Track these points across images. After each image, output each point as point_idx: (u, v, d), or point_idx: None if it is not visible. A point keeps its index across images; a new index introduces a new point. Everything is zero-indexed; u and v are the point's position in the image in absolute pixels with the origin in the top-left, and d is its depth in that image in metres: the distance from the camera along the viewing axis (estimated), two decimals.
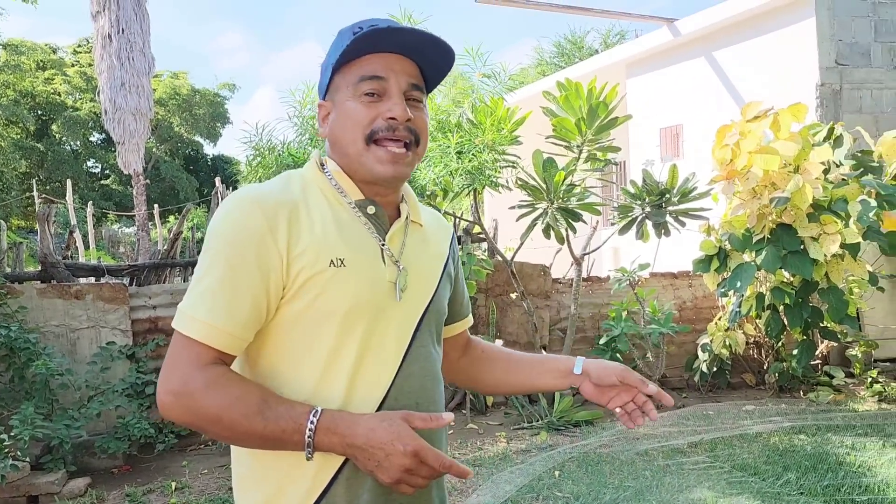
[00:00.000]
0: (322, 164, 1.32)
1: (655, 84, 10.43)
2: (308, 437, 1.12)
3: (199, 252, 6.34)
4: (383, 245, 1.27)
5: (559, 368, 1.50)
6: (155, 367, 5.37)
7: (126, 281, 5.95)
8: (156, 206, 18.61)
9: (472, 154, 4.98)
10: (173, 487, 4.50)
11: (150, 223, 16.86)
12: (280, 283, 1.18)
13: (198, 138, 32.78)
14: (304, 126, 5.24)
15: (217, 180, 8.47)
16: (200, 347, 1.15)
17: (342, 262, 1.20)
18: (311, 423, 1.12)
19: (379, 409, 1.21)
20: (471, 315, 1.60)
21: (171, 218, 25.05)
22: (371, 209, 1.28)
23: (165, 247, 5.94)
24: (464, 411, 5.98)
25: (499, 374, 1.55)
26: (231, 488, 4.42)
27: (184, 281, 6.26)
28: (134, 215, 16.58)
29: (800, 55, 7.89)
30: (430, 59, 1.28)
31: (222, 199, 7.37)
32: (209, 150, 35.34)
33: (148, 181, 22.11)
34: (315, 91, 6.44)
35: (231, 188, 7.78)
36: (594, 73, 10.90)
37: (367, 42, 1.22)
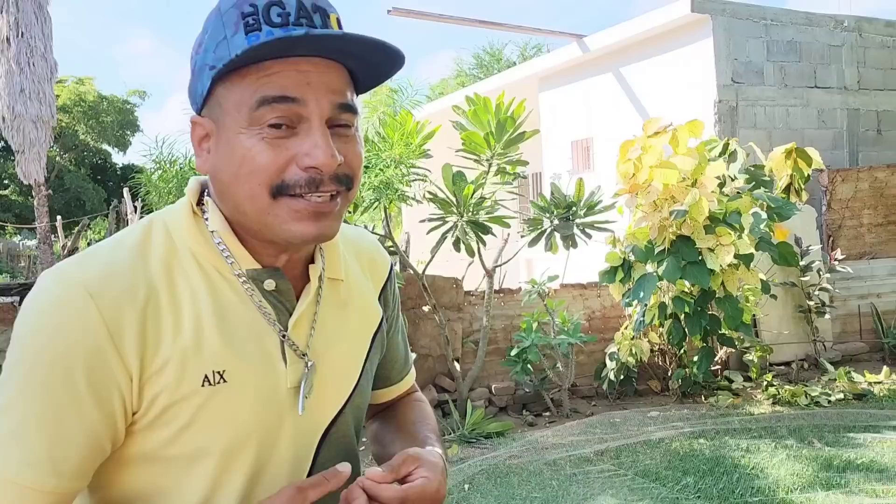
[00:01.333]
0: (202, 207, 0.93)
1: (566, 98, 10.69)
2: None
3: None
4: (284, 337, 0.92)
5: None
6: None
7: (17, 301, 5.65)
8: (59, 217, 17.79)
9: (380, 169, 4.97)
10: None
11: (52, 236, 16.11)
12: (130, 409, 0.84)
13: (106, 147, 31.60)
14: None
15: (125, 191, 8.17)
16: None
17: (222, 377, 0.86)
18: None
19: None
20: (410, 375, 1.23)
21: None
22: (270, 284, 0.92)
23: None
24: None
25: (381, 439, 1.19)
26: None
27: None
28: (35, 227, 15.80)
29: (700, 73, 8.25)
30: (366, 60, 0.88)
31: (128, 213, 7.03)
32: (119, 158, 34.17)
33: (51, 192, 21.12)
34: None
35: (140, 200, 7.50)
36: (508, 87, 11.10)
37: (273, 48, 0.81)
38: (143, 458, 0.87)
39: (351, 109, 0.88)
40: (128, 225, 7.79)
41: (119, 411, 0.83)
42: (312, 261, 0.98)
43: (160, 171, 4.89)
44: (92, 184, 29.72)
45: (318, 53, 0.85)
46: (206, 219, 0.91)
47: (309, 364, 0.93)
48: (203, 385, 0.85)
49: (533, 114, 10.01)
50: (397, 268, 6.28)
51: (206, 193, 0.94)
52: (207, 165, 0.90)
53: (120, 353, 0.81)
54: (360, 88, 0.93)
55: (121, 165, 33.98)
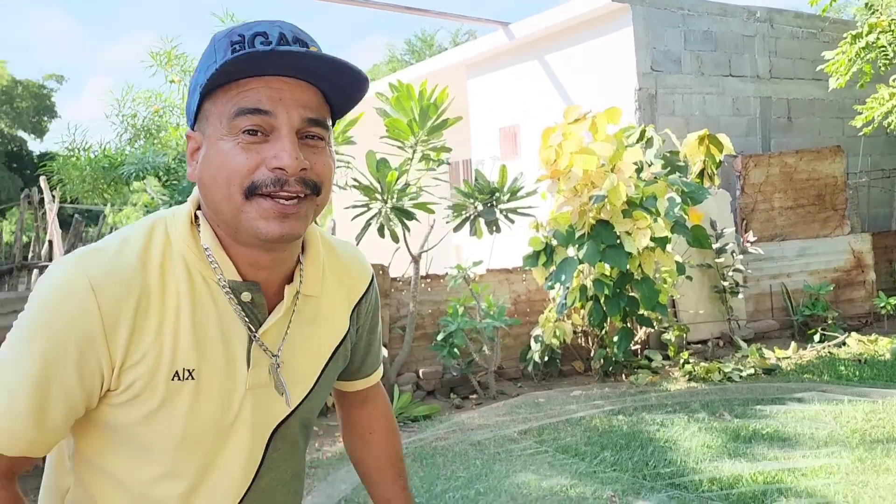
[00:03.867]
0: (197, 220, 1.05)
1: (494, 85, 10.80)
2: None
3: (19, 258, 5.87)
4: (255, 339, 1.05)
5: None
6: None
7: None
8: None
9: None
10: None
11: None
12: (104, 388, 0.97)
13: (21, 133, 30.23)
14: (124, 126, 4.99)
15: (42, 179, 7.87)
16: None
17: (190, 375, 0.99)
18: None
19: None
20: (378, 371, 1.37)
21: None
22: (247, 296, 1.03)
23: None
24: None
25: (366, 475, 1.40)
26: None
27: None
28: None
29: (620, 61, 8.45)
30: (333, 83, 0.99)
31: (45, 203, 6.73)
32: (35, 146, 32.70)
33: None
34: (135, 89, 6.19)
35: (55, 188, 7.23)
36: (437, 74, 11.14)
37: (247, 64, 0.93)
38: (114, 428, 1.00)
39: (320, 124, 1.00)
40: (42, 213, 7.53)
41: (97, 388, 0.96)
42: (291, 279, 1.09)
43: (73, 159, 4.75)
44: (7, 172, 28.42)
45: (288, 73, 0.96)
46: (199, 229, 1.03)
47: (278, 363, 1.07)
48: (172, 380, 0.98)
49: (461, 101, 10.08)
50: None
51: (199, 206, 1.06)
52: (196, 173, 1.01)
53: (109, 343, 0.94)
54: (335, 114, 1.05)
55: (37, 153, 32.58)
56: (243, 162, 0.95)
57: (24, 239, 6.85)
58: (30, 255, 6.12)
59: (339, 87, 1.00)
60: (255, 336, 1.04)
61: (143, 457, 1.01)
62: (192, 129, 1.03)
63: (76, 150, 4.71)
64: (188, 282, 1.00)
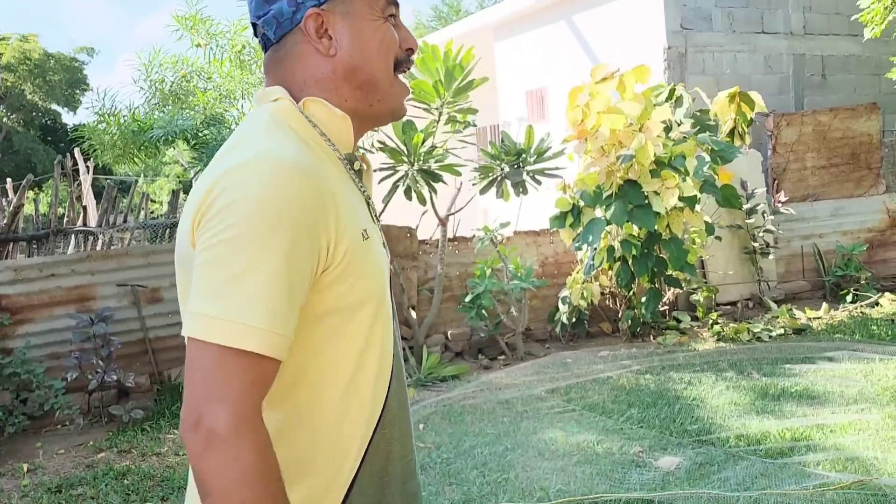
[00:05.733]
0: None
1: (521, 48, 10.68)
2: None
3: (55, 223, 6.01)
4: (369, 200, 1.13)
5: None
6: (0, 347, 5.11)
7: None
8: (9, 180, 17.32)
9: None
10: (25, 469, 4.34)
11: (3, 199, 15.70)
12: (320, 268, 0.99)
13: (55, 106, 30.62)
14: (152, 91, 5.05)
15: (76, 151, 8.00)
16: (260, 364, 0.91)
17: (367, 234, 1.04)
18: None
19: (391, 376, 1.11)
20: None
21: (31, 193, 23.42)
22: (357, 165, 1.12)
23: (5, 221, 5.61)
24: None
25: None
26: (88, 465, 4.29)
27: (28, 256, 5.94)
28: None
29: (649, 20, 8.30)
30: None
31: (73, 172, 6.86)
32: (69, 119, 33.13)
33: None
34: (161, 56, 6.21)
35: (90, 160, 7.36)
36: (463, 37, 11.03)
37: None
38: (328, 310, 1.01)
39: None
40: (77, 184, 7.67)
41: (316, 268, 0.98)
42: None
43: (104, 125, 4.82)
44: (42, 145, 28.84)
45: None
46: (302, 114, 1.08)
47: (376, 217, 1.15)
48: (363, 239, 1.03)
49: (488, 64, 9.99)
50: None
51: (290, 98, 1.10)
52: (342, 47, 1.08)
53: (326, 221, 0.97)
54: None
55: (71, 126, 33.05)
56: (396, 39, 1.11)
57: (60, 210, 7.04)
58: (65, 221, 6.26)
59: None
60: (370, 200, 1.13)
61: (344, 331, 1.04)
62: (321, 7, 1.07)
63: (106, 116, 4.78)
64: (327, 159, 1.07)
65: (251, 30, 1.17)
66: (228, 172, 0.96)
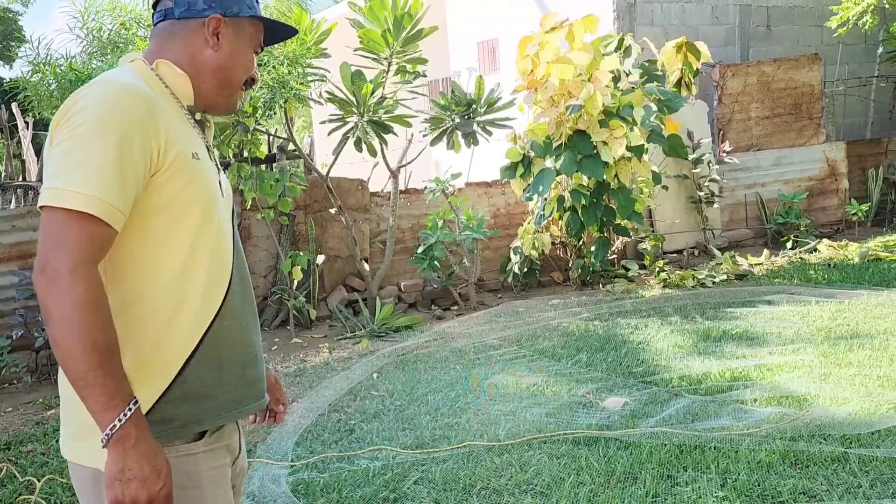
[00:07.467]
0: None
1: None
2: (119, 419, 1.20)
3: None
4: (209, 146, 1.49)
5: None
6: None
7: None
8: None
9: (272, 66, 4.87)
10: None
11: None
12: (153, 168, 1.30)
13: None
14: (89, 39, 4.87)
15: (14, 105, 7.69)
16: (94, 225, 1.21)
17: (198, 156, 1.38)
18: (129, 409, 1.21)
19: (231, 279, 1.43)
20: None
21: None
22: (198, 115, 1.49)
23: None
24: (288, 327, 6.06)
25: None
26: (38, 422, 4.25)
27: None
28: None
29: None
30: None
31: (11, 128, 6.60)
32: (4, 72, 31.63)
33: None
34: (97, 2, 5.94)
35: (29, 114, 7.08)
36: None
37: (268, 25, 1.56)
38: (156, 207, 1.32)
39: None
40: (17, 141, 7.41)
41: (148, 168, 1.29)
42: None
43: (39, 75, 4.64)
44: None
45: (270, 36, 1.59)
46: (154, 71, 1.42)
47: (220, 167, 1.51)
48: (192, 157, 1.36)
49: (439, 14, 9.85)
50: (300, 170, 6.25)
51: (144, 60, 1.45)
52: (215, 51, 1.45)
53: (155, 129, 1.29)
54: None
55: (7, 80, 31.62)
56: (254, 66, 1.54)
57: None
58: (2, 177, 6.06)
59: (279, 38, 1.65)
60: (208, 143, 1.49)
61: (178, 224, 1.33)
62: (224, 15, 1.43)
63: (42, 66, 4.60)
64: (168, 100, 1.40)
65: None
66: (81, 90, 1.29)
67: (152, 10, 1.50)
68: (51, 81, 4.57)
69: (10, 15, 28.66)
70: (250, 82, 1.53)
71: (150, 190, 1.30)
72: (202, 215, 1.36)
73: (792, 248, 7.57)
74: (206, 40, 1.44)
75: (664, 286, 6.58)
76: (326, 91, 5.69)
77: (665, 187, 6.79)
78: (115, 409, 1.19)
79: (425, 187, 6.77)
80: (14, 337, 4.89)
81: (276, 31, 1.60)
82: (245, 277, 1.51)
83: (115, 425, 1.19)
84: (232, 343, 1.42)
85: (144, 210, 1.30)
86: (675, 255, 7.69)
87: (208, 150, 1.47)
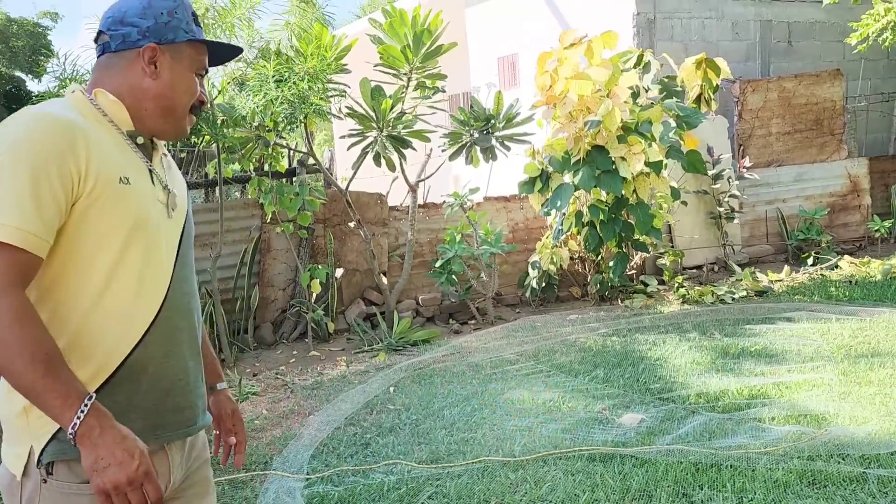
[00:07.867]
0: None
1: (493, 13, 10.62)
2: (78, 416, 1.26)
3: None
4: (151, 169, 1.49)
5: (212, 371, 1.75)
6: None
7: None
8: None
9: (293, 82, 4.95)
10: None
11: None
12: (75, 194, 1.32)
13: (19, 74, 29.79)
14: None
15: None
16: (16, 253, 1.26)
17: (128, 181, 1.39)
18: (85, 405, 1.26)
19: (161, 307, 1.45)
20: None
21: None
22: (140, 139, 1.49)
23: None
24: (306, 340, 6.10)
25: None
26: None
27: None
28: None
29: None
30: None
31: None
32: (34, 86, 32.25)
33: None
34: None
35: None
36: (434, 3, 10.93)
37: (210, 47, 1.57)
38: (80, 233, 1.35)
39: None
40: None
41: (70, 194, 1.32)
42: (152, 141, 1.57)
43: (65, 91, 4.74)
44: (6, 112, 28.17)
45: (214, 57, 1.61)
46: (93, 102, 1.44)
47: (170, 188, 1.53)
48: (119, 183, 1.38)
49: (459, 30, 9.93)
50: (320, 184, 6.31)
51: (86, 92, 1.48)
52: (153, 79, 1.47)
53: (75, 157, 1.31)
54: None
55: (36, 93, 32.17)
56: (196, 90, 1.53)
57: None
58: None
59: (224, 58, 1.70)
60: (151, 167, 1.50)
61: (100, 249, 1.36)
62: (158, 44, 1.45)
63: (68, 81, 4.70)
64: (102, 127, 1.42)
65: None
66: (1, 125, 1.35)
67: (95, 44, 1.53)
68: None
69: (40, 30, 29.26)
70: (199, 105, 1.55)
71: (73, 215, 1.33)
72: (124, 242, 1.38)
73: (813, 265, 7.50)
74: (144, 70, 1.46)
75: (683, 302, 6.55)
76: (346, 106, 5.76)
77: (684, 203, 6.77)
78: (72, 408, 1.25)
79: (444, 202, 6.81)
80: None
81: (220, 51, 1.62)
82: (186, 304, 1.52)
83: (75, 423, 1.24)
84: (155, 371, 1.45)
85: (66, 236, 1.34)
86: (694, 270, 7.65)
87: (151, 173, 1.48)
